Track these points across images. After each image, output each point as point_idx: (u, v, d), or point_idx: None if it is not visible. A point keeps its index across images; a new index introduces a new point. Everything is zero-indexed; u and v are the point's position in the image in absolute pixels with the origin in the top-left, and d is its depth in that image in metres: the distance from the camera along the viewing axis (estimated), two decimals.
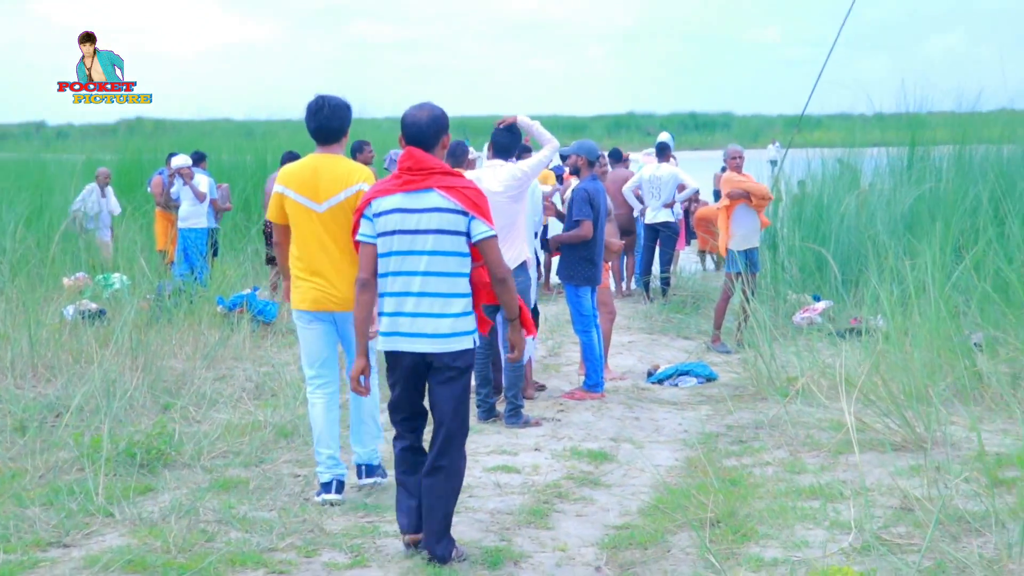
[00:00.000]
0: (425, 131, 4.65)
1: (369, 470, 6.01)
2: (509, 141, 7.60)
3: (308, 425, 6.74)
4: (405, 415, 4.76)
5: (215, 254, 13.90)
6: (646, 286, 13.69)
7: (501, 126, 7.62)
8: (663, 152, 14.03)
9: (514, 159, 7.74)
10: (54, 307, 10.87)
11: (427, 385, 4.72)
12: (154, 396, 7.89)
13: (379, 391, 6.02)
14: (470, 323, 4.65)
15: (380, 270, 4.61)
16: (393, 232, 4.56)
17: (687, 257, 17.08)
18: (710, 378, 9.11)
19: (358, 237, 4.66)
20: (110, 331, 9.23)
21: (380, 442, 6.05)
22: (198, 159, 14.84)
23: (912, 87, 19.60)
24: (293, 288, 5.75)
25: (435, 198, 4.56)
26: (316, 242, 5.62)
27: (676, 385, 9.01)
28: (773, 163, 39.65)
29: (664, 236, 13.91)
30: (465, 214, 4.56)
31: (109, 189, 15.14)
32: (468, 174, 7.50)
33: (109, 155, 23.22)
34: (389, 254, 4.58)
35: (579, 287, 8.34)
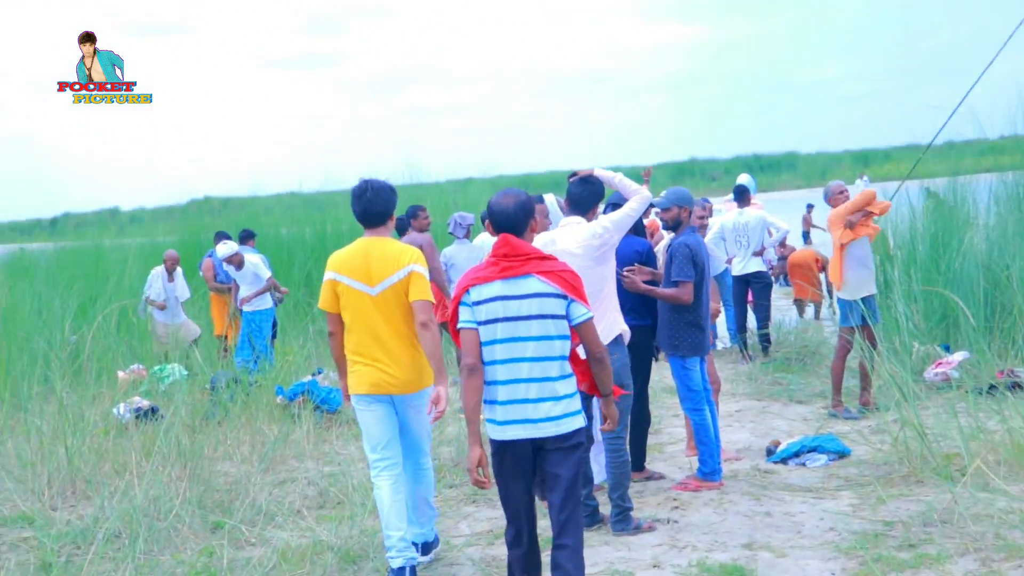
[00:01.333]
0: (514, 217, 4.72)
1: (426, 547, 5.92)
2: (586, 194, 6.43)
3: (378, 545, 6.01)
4: (519, 506, 4.65)
5: (274, 336, 12.85)
6: (743, 344, 12.44)
7: (576, 179, 6.50)
8: (743, 196, 12.83)
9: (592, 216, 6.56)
10: (105, 406, 9.94)
11: (539, 470, 4.63)
12: (203, 513, 6.83)
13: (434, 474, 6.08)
14: (578, 402, 4.62)
15: (486, 358, 4.58)
16: (496, 320, 4.55)
17: (779, 306, 15.74)
18: (842, 454, 7.83)
19: (460, 325, 4.62)
20: (162, 430, 8.24)
21: (435, 518, 6.03)
22: (246, 237, 13.90)
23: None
24: (350, 373, 5.69)
25: (535, 283, 4.57)
26: (371, 326, 5.58)
27: (804, 464, 7.73)
28: None
29: (757, 287, 12.70)
30: (564, 297, 4.57)
31: (178, 272, 13.88)
32: (542, 235, 6.39)
33: (171, 236, 22.52)
34: (493, 342, 4.56)
35: (686, 358, 7.15)
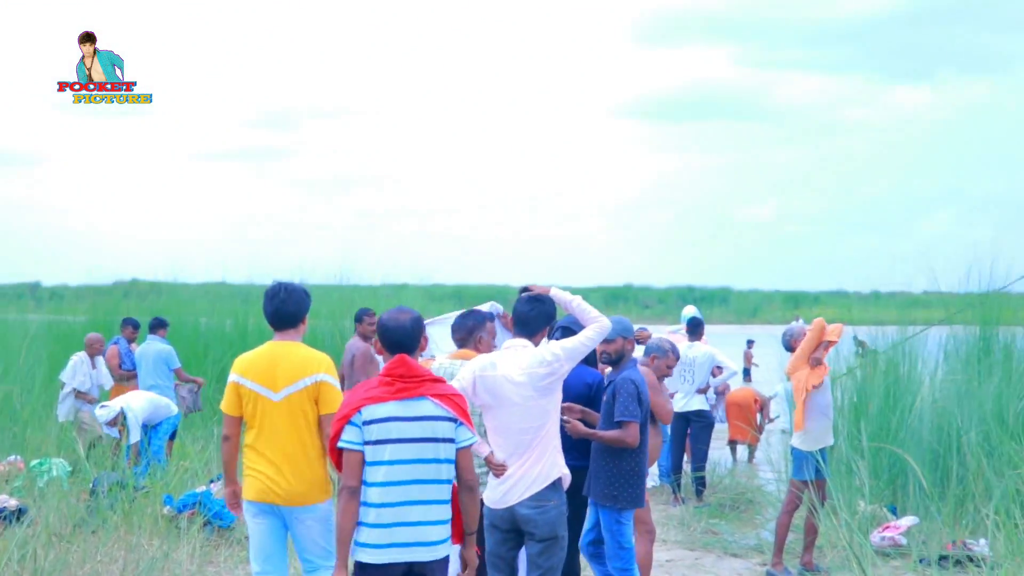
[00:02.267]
0: (411, 335, 4.70)
1: None
2: (535, 313, 5.62)
3: None
4: None
5: (172, 436, 11.69)
6: (676, 485, 11.65)
7: (526, 295, 5.70)
8: (697, 329, 12.19)
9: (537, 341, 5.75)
10: None
11: None
12: None
13: None
14: (450, 529, 4.63)
15: (368, 479, 4.49)
16: (387, 441, 4.49)
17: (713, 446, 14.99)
18: None
19: (343, 444, 4.51)
20: (16, 542, 7.20)
21: None
22: (156, 326, 12.88)
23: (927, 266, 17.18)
24: (244, 478, 5.54)
25: (429, 406, 4.55)
26: (270, 432, 5.42)
27: None
28: None
29: (697, 426, 11.94)
30: (455, 420, 4.58)
31: (100, 359, 12.61)
32: (480, 357, 5.63)
33: (81, 316, 21.35)
34: (379, 463, 4.49)
35: (623, 511, 6.34)
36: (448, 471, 4.58)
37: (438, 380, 4.67)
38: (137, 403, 10.89)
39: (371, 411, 4.50)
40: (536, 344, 5.57)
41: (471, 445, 4.63)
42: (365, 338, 10.49)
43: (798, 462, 8.50)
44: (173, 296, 23.93)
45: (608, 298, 72.64)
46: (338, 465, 4.57)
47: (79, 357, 12.40)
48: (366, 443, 4.49)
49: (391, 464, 4.48)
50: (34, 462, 10.62)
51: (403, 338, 4.66)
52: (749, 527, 10.44)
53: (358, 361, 10.17)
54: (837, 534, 8.53)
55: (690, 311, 13.21)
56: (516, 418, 5.30)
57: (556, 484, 5.37)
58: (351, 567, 4.61)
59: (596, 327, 5.49)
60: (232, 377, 5.52)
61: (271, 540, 5.53)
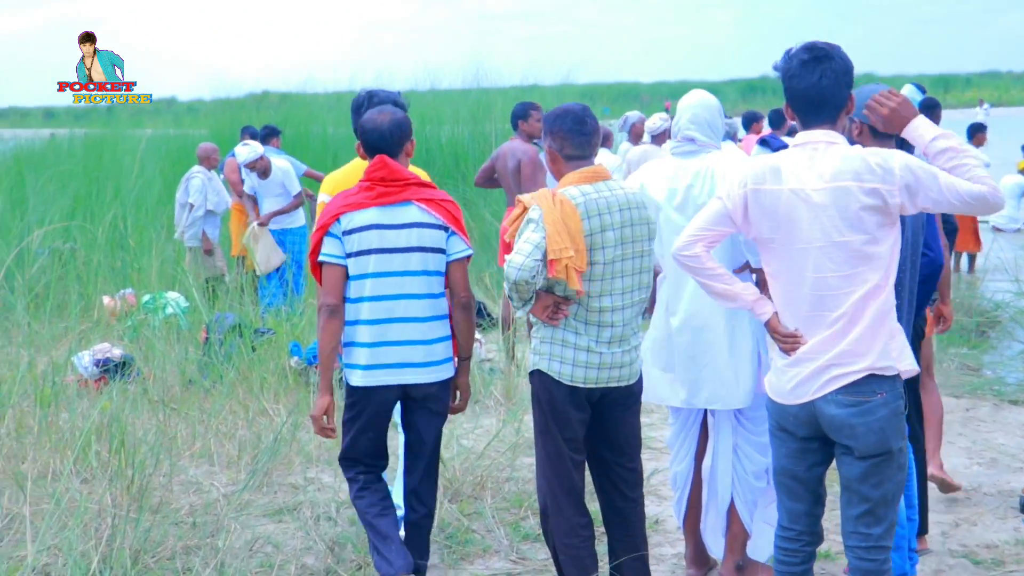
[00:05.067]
0: (389, 137, 4.13)
1: None
2: (829, 81, 3.31)
3: None
4: (370, 462, 4.20)
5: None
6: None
7: (802, 47, 3.39)
8: (933, 112, 9.72)
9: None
10: (67, 349, 7.35)
11: (405, 420, 4.23)
12: None
13: None
14: (451, 348, 4.19)
15: (352, 294, 4.07)
16: (369, 251, 4.04)
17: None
18: None
19: (322, 258, 4.07)
20: (106, 412, 5.55)
21: None
22: (268, 135, 11.05)
23: None
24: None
25: (415, 212, 4.09)
26: None
27: None
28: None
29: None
30: (446, 229, 4.11)
31: (215, 174, 10.78)
32: (751, 164, 3.47)
33: (201, 129, 19.79)
34: (364, 276, 4.05)
35: None
36: (440, 284, 4.13)
37: (426, 184, 4.17)
38: (280, 161, 10.19)
39: (350, 219, 4.05)
40: (841, 131, 3.38)
41: (465, 258, 4.13)
42: (531, 138, 8.33)
43: None
44: (303, 106, 22.46)
45: (744, 90, 69.80)
46: (320, 281, 4.10)
47: (202, 172, 10.55)
48: (348, 255, 4.04)
49: (377, 277, 4.04)
50: (146, 297, 9.06)
51: (380, 139, 4.10)
52: (1014, 360, 8.38)
53: (526, 169, 8.04)
54: None
55: (911, 92, 10.69)
56: (811, 261, 3.23)
57: (895, 380, 3.28)
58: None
59: (985, 190, 3.06)
60: (322, 197, 4.63)
61: None
